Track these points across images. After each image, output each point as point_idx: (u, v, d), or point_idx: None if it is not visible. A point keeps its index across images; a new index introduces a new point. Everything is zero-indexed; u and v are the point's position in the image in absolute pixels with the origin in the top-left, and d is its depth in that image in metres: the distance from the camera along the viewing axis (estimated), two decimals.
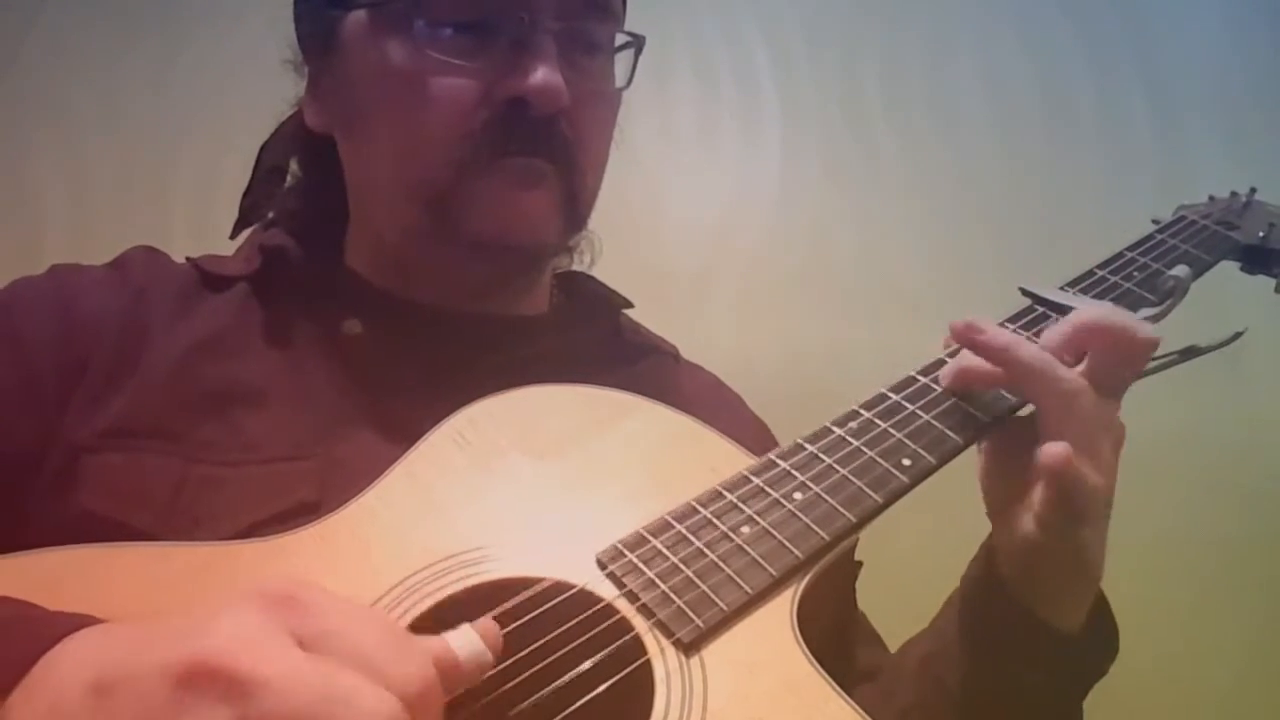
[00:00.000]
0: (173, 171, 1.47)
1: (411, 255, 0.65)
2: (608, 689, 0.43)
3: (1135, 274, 0.66)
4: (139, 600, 0.43)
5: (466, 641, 0.35)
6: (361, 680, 0.30)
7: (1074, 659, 0.56)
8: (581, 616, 0.45)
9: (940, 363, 0.58)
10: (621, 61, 0.67)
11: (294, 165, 0.74)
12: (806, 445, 0.54)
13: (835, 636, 0.68)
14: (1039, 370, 0.52)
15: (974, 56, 1.51)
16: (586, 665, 0.43)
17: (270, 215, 0.74)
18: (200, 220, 1.41)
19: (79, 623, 0.34)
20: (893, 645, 0.69)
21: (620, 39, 0.66)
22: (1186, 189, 0.82)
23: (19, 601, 0.39)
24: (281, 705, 0.28)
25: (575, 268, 0.77)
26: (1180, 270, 0.63)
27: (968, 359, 0.56)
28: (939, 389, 0.57)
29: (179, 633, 0.30)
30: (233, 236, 0.75)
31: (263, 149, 0.76)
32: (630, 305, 0.77)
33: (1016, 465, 0.54)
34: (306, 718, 0.28)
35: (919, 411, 0.56)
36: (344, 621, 0.32)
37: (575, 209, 0.64)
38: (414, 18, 0.59)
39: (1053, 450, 0.50)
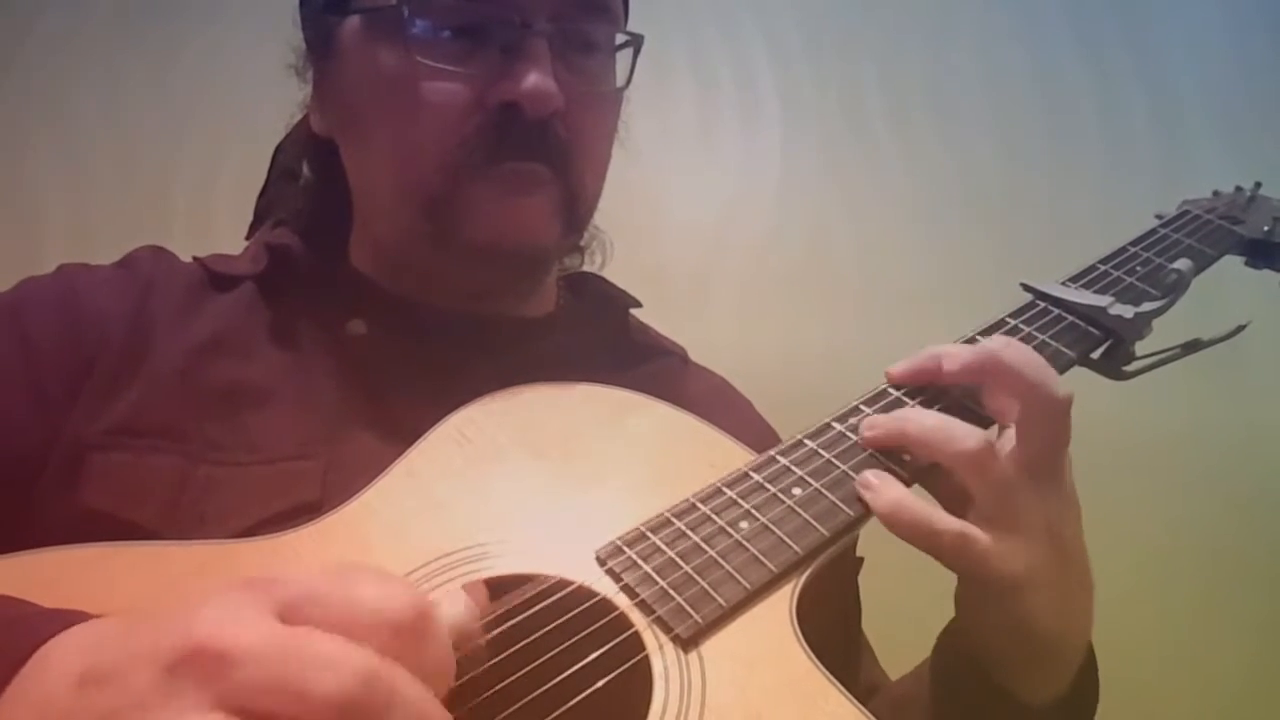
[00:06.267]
0: (173, 171, 1.47)
1: (412, 259, 0.65)
2: (606, 685, 0.42)
3: (1138, 268, 0.66)
4: (139, 600, 0.43)
5: (456, 602, 0.36)
6: (337, 641, 0.29)
7: None
8: (580, 612, 0.45)
9: None
10: (622, 61, 0.66)
11: (305, 167, 0.74)
12: (807, 441, 0.54)
13: (839, 632, 0.68)
14: (936, 438, 0.49)
15: (974, 56, 1.51)
16: (585, 661, 0.43)
17: (282, 215, 0.74)
18: (200, 220, 1.41)
19: (76, 619, 0.34)
20: (892, 641, 0.69)
21: (619, 39, 0.65)
22: (1186, 189, 0.81)
23: (19, 600, 0.39)
24: (258, 673, 0.28)
25: (586, 268, 0.77)
26: (1183, 264, 0.63)
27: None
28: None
29: (166, 623, 0.30)
30: (248, 237, 0.75)
31: (278, 149, 0.76)
32: (639, 304, 0.76)
33: None
34: (281, 682, 0.28)
35: (920, 408, 0.55)
36: (324, 585, 0.32)
37: (575, 212, 0.64)
38: (406, 24, 0.59)
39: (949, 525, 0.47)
